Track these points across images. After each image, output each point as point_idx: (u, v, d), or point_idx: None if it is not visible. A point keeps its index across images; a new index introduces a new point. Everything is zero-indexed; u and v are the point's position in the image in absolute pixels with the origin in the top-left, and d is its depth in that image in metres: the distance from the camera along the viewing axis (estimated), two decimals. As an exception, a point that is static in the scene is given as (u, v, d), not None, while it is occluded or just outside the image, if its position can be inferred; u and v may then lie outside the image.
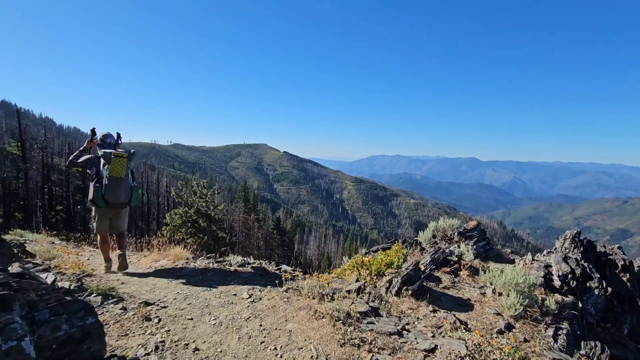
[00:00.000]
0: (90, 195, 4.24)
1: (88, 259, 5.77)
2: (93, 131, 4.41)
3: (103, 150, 4.32)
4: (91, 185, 4.25)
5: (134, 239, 8.48)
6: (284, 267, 6.49)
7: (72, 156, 4.37)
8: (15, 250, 4.56)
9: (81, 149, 4.43)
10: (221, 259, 6.45)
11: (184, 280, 4.63)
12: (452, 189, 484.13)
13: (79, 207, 44.44)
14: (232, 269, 5.68)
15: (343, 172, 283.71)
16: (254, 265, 6.10)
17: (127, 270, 4.76)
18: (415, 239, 7.66)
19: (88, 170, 4.29)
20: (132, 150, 4.53)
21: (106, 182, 4.18)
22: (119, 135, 4.70)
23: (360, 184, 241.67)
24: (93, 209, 4.46)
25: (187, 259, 6.07)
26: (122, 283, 4.27)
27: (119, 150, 4.40)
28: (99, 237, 4.54)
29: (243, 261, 6.20)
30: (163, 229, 22.80)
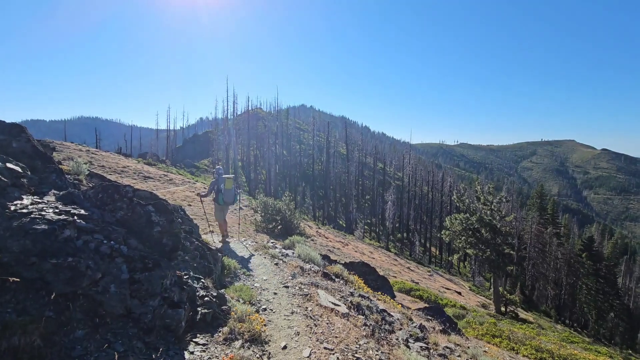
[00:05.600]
0: (216, 198, 7.47)
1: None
2: (216, 168, 7.85)
3: (219, 175, 7.47)
4: (215, 193, 7.48)
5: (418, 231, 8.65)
6: None
7: (209, 188, 7.68)
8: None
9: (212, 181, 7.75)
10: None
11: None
12: None
13: (379, 198, 54.03)
14: None
15: None
16: None
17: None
18: None
19: (216, 186, 7.44)
20: (234, 175, 7.94)
21: (223, 192, 7.35)
22: (223, 165, 8.10)
23: None
24: (215, 205, 7.66)
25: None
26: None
27: (228, 175, 7.69)
28: (218, 222, 7.72)
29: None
30: (442, 232, 23.03)
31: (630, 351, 32.61)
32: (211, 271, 3.84)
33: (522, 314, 24.14)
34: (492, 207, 20.55)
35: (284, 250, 7.04)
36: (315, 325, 3.77)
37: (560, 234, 48.68)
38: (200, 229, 8.90)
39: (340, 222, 45.69)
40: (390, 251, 35.52)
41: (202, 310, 3.04)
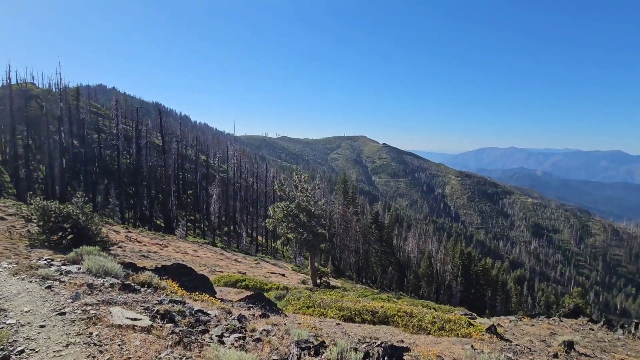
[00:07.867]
0: None
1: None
2: None
3: None
4: None
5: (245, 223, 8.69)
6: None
7: None
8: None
9: None
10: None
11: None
12: (586, 188, 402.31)
13: (203, 192, 51.51)
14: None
15: (446, 165, 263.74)
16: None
17: None
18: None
19: None
20: None
21: None
22: None
23: (466, 178, 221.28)
24: None
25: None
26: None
27: None
28: None
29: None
30: (267, 220, 24.32)
31: (402, 292, 44.31)
32: None
33: (333, 282, 28.55)
34: (308, 194, 23.05)
35: (65, 267, 5.49)
36: (101, 352, 3.05)
37: (358, 211, 60.07)
38: None
39: (159, 222, 41.00)
40: (216, 246, 34.64)
41: None
